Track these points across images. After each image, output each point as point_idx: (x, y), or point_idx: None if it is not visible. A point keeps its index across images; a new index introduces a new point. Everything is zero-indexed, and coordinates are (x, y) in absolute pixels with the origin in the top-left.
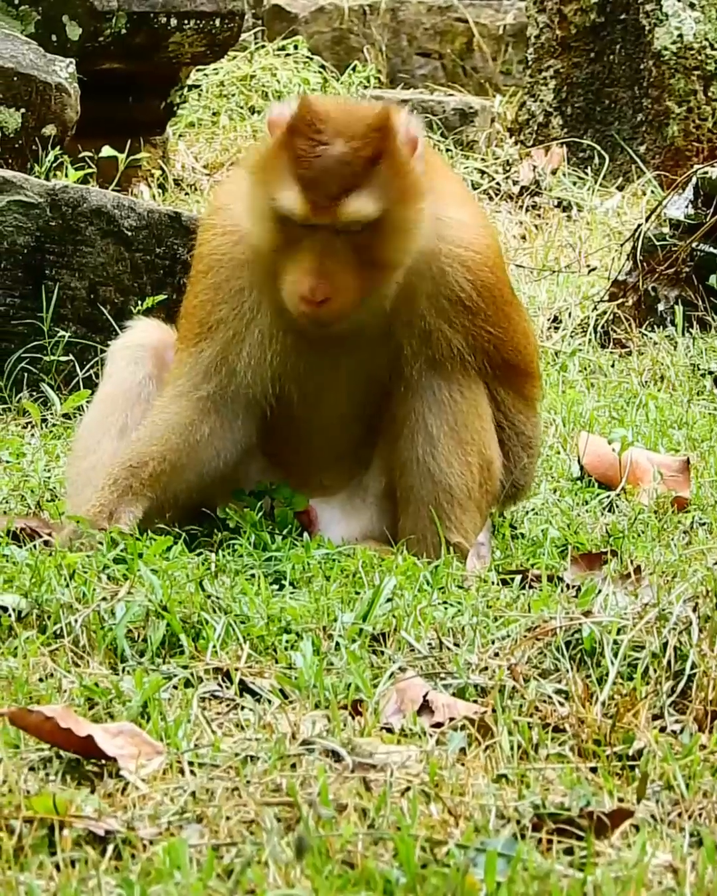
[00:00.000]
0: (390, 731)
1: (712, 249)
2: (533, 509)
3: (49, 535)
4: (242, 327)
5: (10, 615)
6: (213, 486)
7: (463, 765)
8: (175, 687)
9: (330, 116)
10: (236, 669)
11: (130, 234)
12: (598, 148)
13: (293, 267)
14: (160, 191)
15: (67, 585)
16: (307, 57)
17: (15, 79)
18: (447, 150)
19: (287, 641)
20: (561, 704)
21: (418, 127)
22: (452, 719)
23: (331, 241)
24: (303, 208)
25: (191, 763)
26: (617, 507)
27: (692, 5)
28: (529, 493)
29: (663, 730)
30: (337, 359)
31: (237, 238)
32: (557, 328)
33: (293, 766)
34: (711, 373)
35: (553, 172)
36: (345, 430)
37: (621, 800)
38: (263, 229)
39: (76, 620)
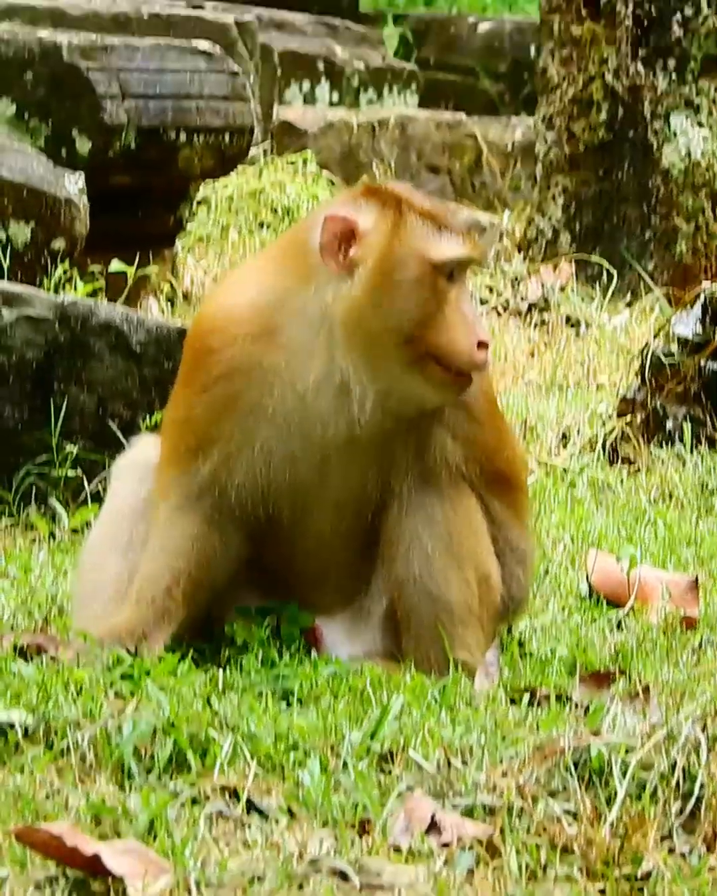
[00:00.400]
0: (397, 850)
1: None
2: (541, 627)
3: (56, 650)
4: (242, 443)
5: (16, 731)
6: (220, 601)
7: (471, 885)
8: (182, 805)
9: (399, 186)
10: (244, 787)
11: (139, 349)
12: (606, 265)
13: (452, 324)
14: (169, 305)
15: (75, 702)
16: (316, 172)
17: (25, 193)
18: None
19: (294, 759)
20: (570, 825)
21: None
22: (460, 839)
23: (466, 286)
24: (465, 247)
25: (197, 882)
26: (626, 625)
27: (700, 123)
28: (525, 608)
29: (672, 851)
30: (327, 474)
31: (264, 345)
32: (565, 445)
33: (300, 886)
34: None
35: (562, 289)
36: (339, 550)
37: None
38: (406, 306)
39: (83, 737)
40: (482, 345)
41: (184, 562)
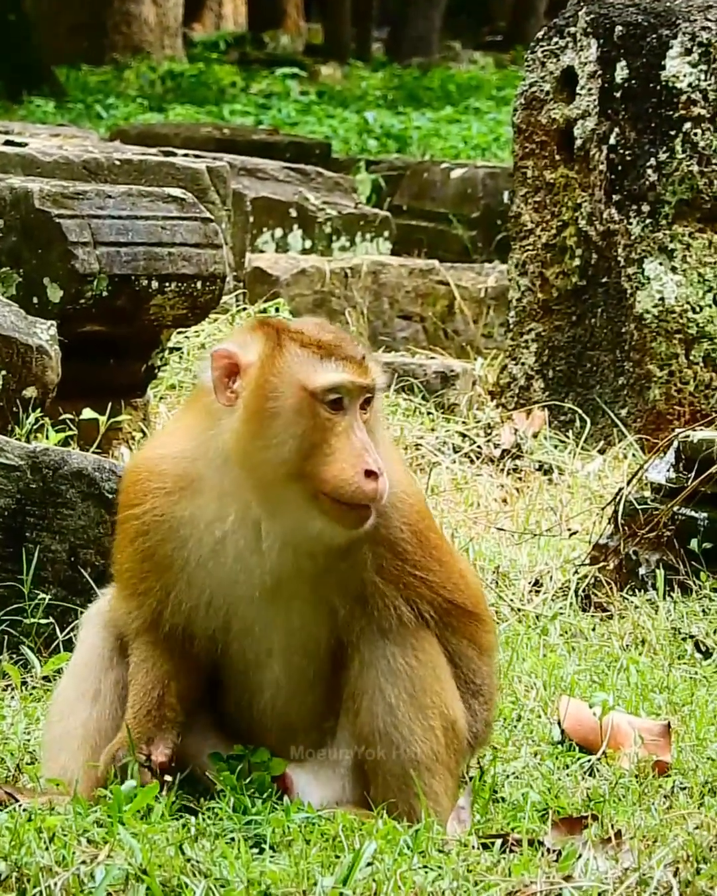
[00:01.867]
0: None
1: (693, 513)
2: (514, 773)
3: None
4: (167, 593)
5: None
6: (192, 746)
7: None
8: None
9: (290, 320)
10: None
11: (110, 496)
12: (579, 411)
13: (337, 455)
14: None
15: (47, 848)
16: (288, 319)
17: None
18: (428, 413)
19: None
20: None
21: None
22: None
23: (358, 418)
24: (346, 373)
25: None
26: (598, 771)
27: (673, 269)
28: (484, 742)
29: None
30: (267, 621)
31: (177, 497)
32: (538, 592)
33: None
34: (692, 637)
35: (534, 436)
36: (299, 699)
37: None
38: (285, 438)
39: (56, 884)
40: (371, 474)
41: (167, 674)
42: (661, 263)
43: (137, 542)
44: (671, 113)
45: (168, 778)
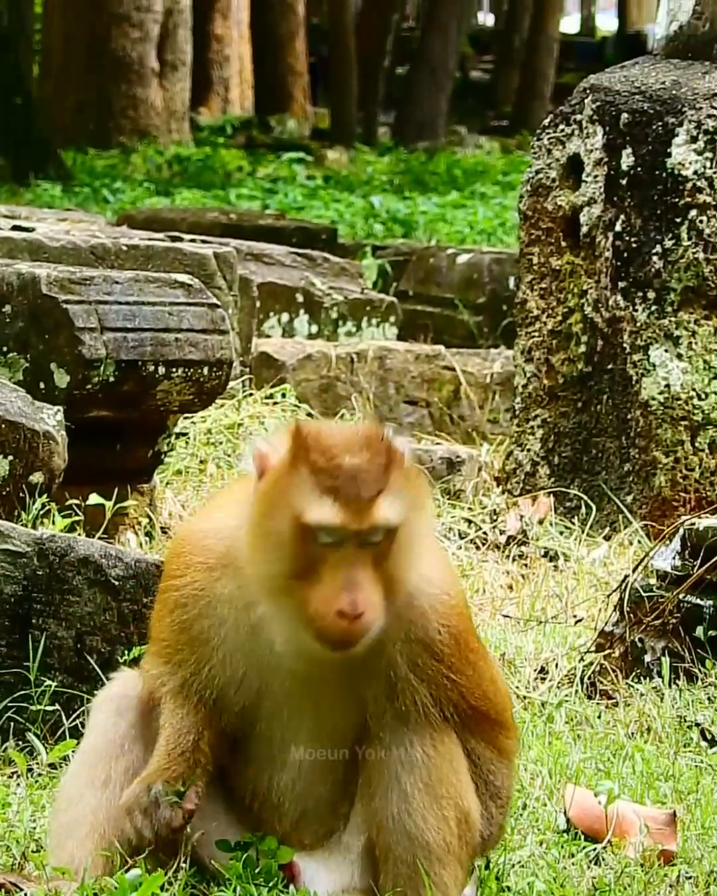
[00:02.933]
0: None
1: (699, 601)
2: (519, 862)
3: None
4: (201, 667)
5: None
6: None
7: None
8: None
9: (330, 434)
10: None
11: (117, 583)
12: (585, 498)
13: (321, 587)
14: (147, 539)
15: None
16: (295, 405)
17: (3, 426)
18: (434, 499)
19: None
20: None
21: (405, 441)
22: None
23: (357, 555)
24: (339, 516)
25: None
26: (604, 860)
27: (679, 356)
28: (495, 843)
29: None
30: (297, 705)
31: (218, 575)
32: (543, 679)
33: None
34: (698, 725)
35: (540, 522)
36: (317, 784)
37: None
38: (281, 556)
39: None
40: (343, 615)
41: (201, 722)
42: (666, 350)
43: (175, 614)
44: (676, 200)
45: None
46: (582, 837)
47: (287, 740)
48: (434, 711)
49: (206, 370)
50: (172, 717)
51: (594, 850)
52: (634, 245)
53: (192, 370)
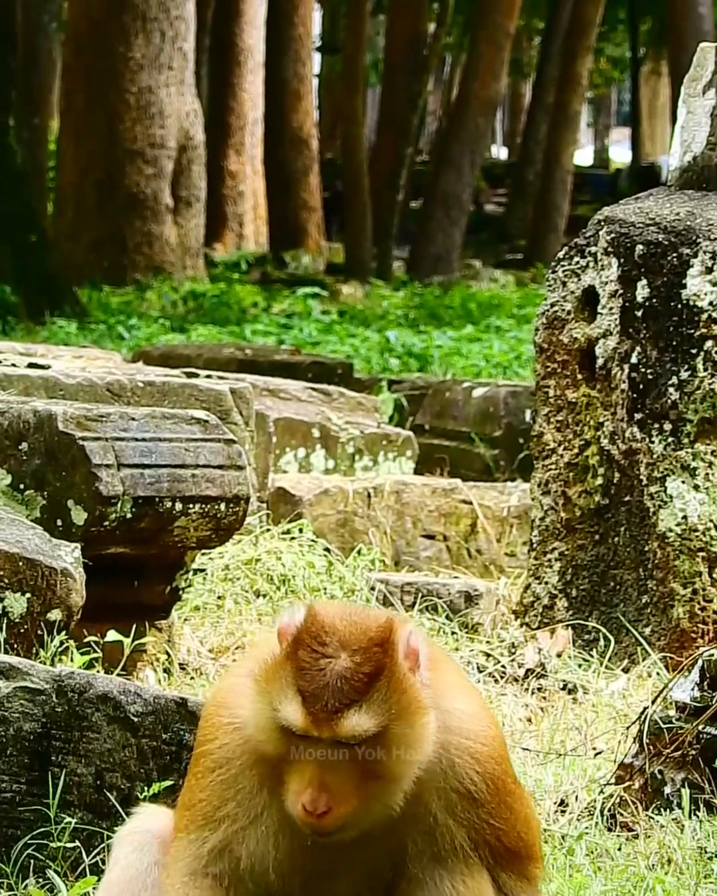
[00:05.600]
0: None
1: None
2: None
3: None
4: (248, 824)
5: None
6: None
7: None
8: None
9: (336, 628)
10: None
11: (136, 719)
12: (603, 630)
13: (296, 776)
14: (165, 675)
15: None
16: (312, 540)
17: (20, 563)
18: (452, 632)
19: None
20: None
21: (421, 638)
22: None
23: (331, 754)
24: (303, 721)
25: None
26: None
27: (696, 487)
28: None
29: None
30: (340, 856)
31: (246, 736)
32: (563, 811)
33: None
34: None
35: (559, 655)
36: None
37: None
38: (267, 737)
39: None
40: (306, 811)
41: None
42: (683, 482)
43: (214, 774)
44: (692, 331)
45: None
46: None
47: (325, 884)
48: (466, 847)
49: (223, 506)
50: None
51: None
52: (650, 376)
53: (209, 506)
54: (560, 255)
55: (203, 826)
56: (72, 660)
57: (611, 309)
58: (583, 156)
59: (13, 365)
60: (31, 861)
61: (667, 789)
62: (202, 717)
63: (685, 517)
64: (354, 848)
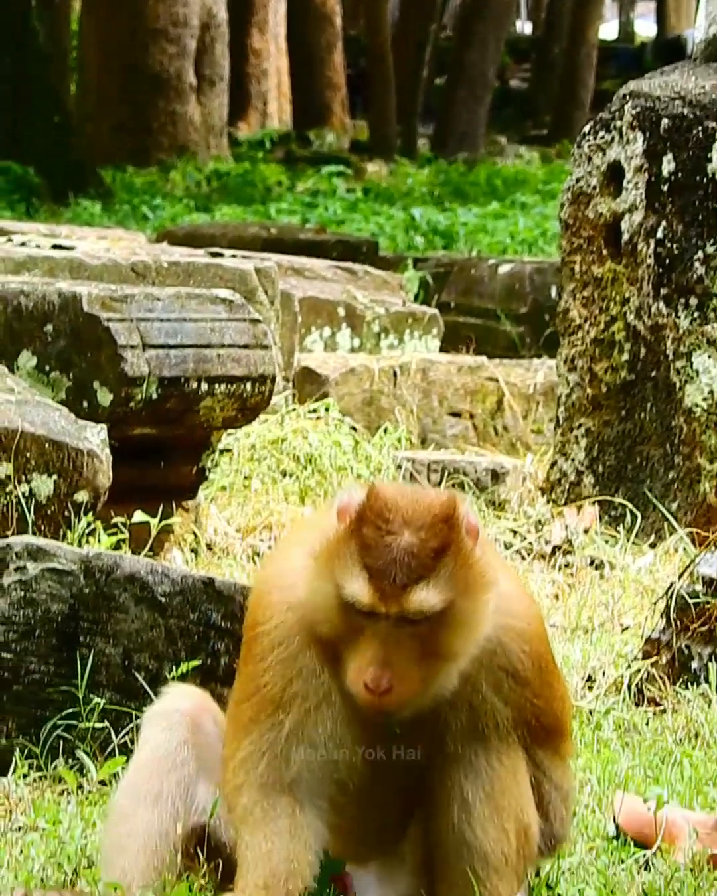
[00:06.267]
0: None
1: None
2: (569, 869)
3: None
4: (320, 701)
5: None
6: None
7: None
8: None
9: (398, 506)
10: None
11: (163, 600)
12: (630, 506)
13: (357, 655)
14: (193, 555)
15: None
16: (338, 419)
17: (47, 445)
18: (479, 510)
19: None
20: None
21: (477, 516)
22: None
23: (395, 631)
24: (370, 597)
25: None
26: (653, 865)
27: None
28: (566, 843)
29: None
30: (398, 733)
31: (302, 614)
32: (591, 687)
33: None
34: None
35: (585, 531)
36: (385, 804)
37: None
38: (326, 615)
39: None
40: (368, 689)
41: (296, 850)
42: (709, 356)
43: (276, 652)
44: None
45: None
46: (632, 844)
47: (367, 770)
48: (505, 725)
49: (249, 386)
50: (263, 844)
51: (644, 856)
52: (675, 251)
53: (235, 386)
54: (585, 130)
55: (275, 711)
56: (99, 541)
57: (636, 184)
58: (608, 30)
59: (37, 246)
60: (61, 742)
61: (694, 664)
62: (252, 600)
63: (711, 392)
64: (409, 729)
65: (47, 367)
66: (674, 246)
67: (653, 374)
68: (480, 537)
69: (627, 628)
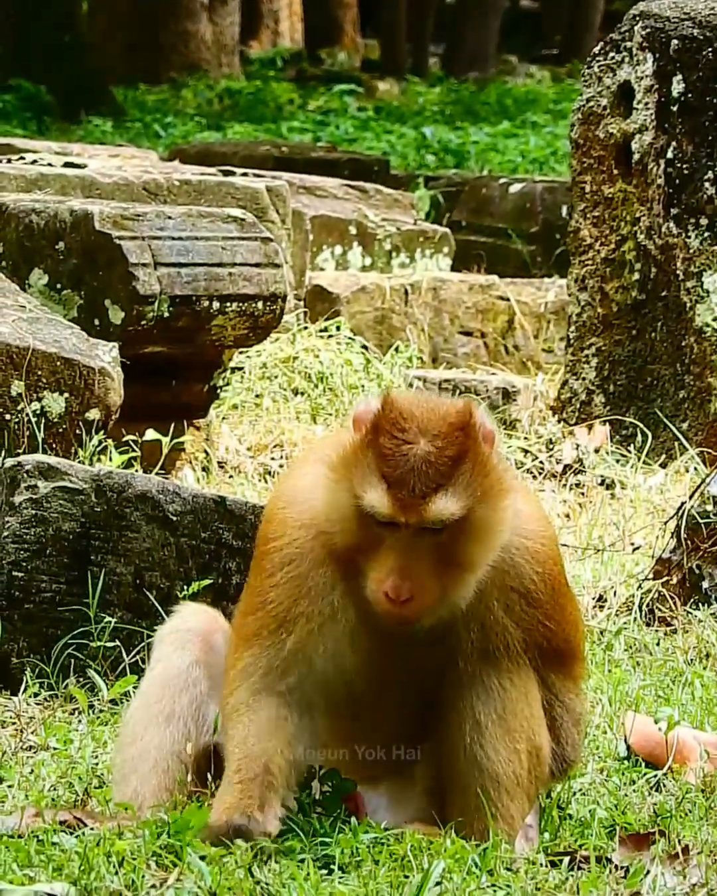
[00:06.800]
0: None
1: None
2: (580, 790)
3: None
4: (325, 621)
5: None
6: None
7: None
8: None
9: (414, 415)
10: None
11: (175, 518)
12: (641, 425)
13: (376, 566)
14: (204, 474)
15: (116, 873)
16: (349, 338)
17: (58, 363)
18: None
19: None
20: None
21: (493, 422)
22: None
23: (414, 541)
24: (390, 507)
25: None
26: (664, 786)
27: None
28: (577, 766)
29: None
30: (408, 651)
31: (315, 532)
32: (602, 607)
33: None
34: None
35: (596, 451)
36: (396, 723)
37: None
38: (344, 527)
39: None
40: (390, 599)
41: (274, 742)
42: None
43: (286, 570)
44: None
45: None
46: (643, 764)
47: (383, 686)
48: (517, 646)
49: (260, 304)
50: (241, 740)
51: (655, 776)
52: (686, 172)
53: (246, 304)
54: (596, 50)
55: (278, 629)
56: (110, 459)
57: (647, 104)
58: None
59: (50, 164)
60: (72, 660)
61: (705, 584)
62: (266, 515)
63: None
64: (419, 646)
65: (59, 285)
66: (684, 166)
67: (664, 293)
68: (497, 445)
69: (638, 548)
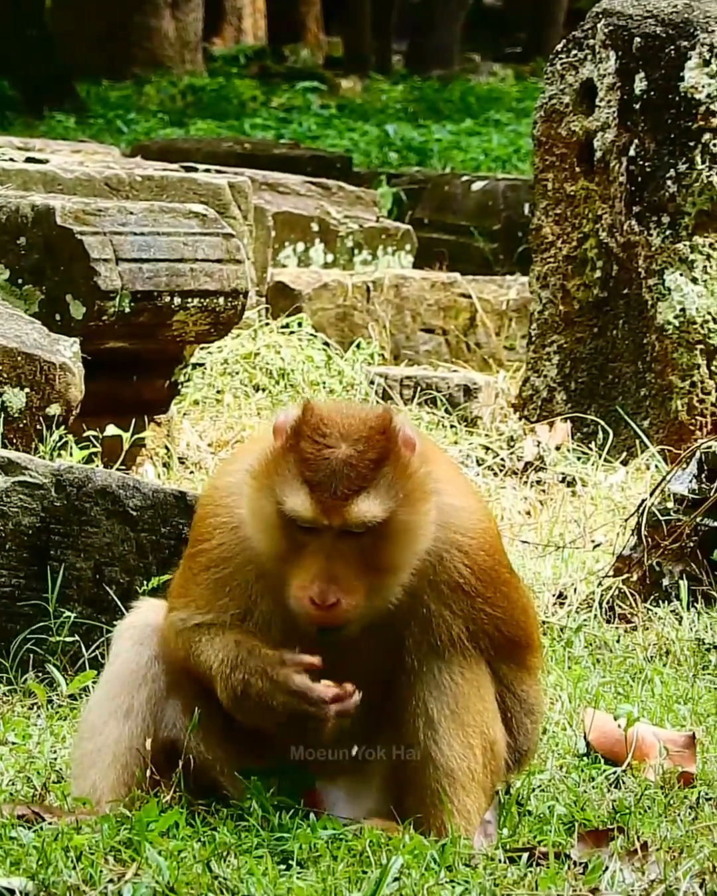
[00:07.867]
0: None
1: (716, 524)
2: (540, 786)
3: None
4: (242, 614)
5: None
6: (221, 762)
7: None
8: None
9: (334, 420)
10: None
11: (135, 513)
12: (602, 423)
13: (299, 571)
14: (165, 469)
15: (74, 867)
16: (311, 334)
17: (19, 358)
18: (451, 426)
19: None
20: None
21: (413, 429)
22: None
23: (337, 545)
24: (311, 511)
25: None
26: (624, 783)
27: (694, 280)
28: (532, 758)
29: None
30: (343, 652)
31: (242, 535)
32: (562, 604)
33: None
34: (716, 647)
35: (557, 448)
36: (352, 717)
37: None
38: (266, 534)
39: None
40: (315, 604)
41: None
42: (682, 274)
43: (211, 571)
44: (690, 124)
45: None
46: (602, 761)
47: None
48: (468, 643)
49: (221, 300)
50: (217, 641)
51: (614, 773)
52: (648, 169)
53: (207, 300)
54: (559, 47)
55: (196, 610)
56: (71, 454)
57: (609, 102)
58: None
59: (11, 159)
60: (31, 655)
61: (665, 581)
62: (196, 517)
63: (683, 310)
64: (354, 646)
65: (20, 280)
66: (646, 164)
67: (625, 291)
68: (418, 450)
69: (598, 545)
